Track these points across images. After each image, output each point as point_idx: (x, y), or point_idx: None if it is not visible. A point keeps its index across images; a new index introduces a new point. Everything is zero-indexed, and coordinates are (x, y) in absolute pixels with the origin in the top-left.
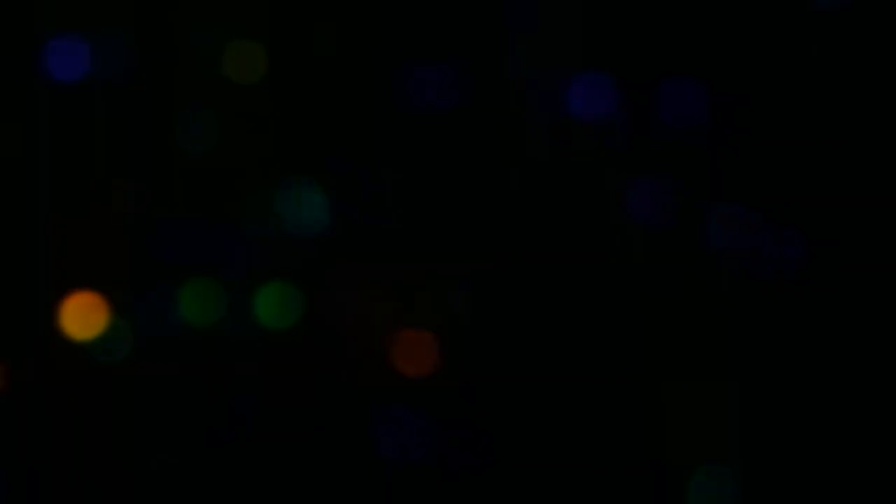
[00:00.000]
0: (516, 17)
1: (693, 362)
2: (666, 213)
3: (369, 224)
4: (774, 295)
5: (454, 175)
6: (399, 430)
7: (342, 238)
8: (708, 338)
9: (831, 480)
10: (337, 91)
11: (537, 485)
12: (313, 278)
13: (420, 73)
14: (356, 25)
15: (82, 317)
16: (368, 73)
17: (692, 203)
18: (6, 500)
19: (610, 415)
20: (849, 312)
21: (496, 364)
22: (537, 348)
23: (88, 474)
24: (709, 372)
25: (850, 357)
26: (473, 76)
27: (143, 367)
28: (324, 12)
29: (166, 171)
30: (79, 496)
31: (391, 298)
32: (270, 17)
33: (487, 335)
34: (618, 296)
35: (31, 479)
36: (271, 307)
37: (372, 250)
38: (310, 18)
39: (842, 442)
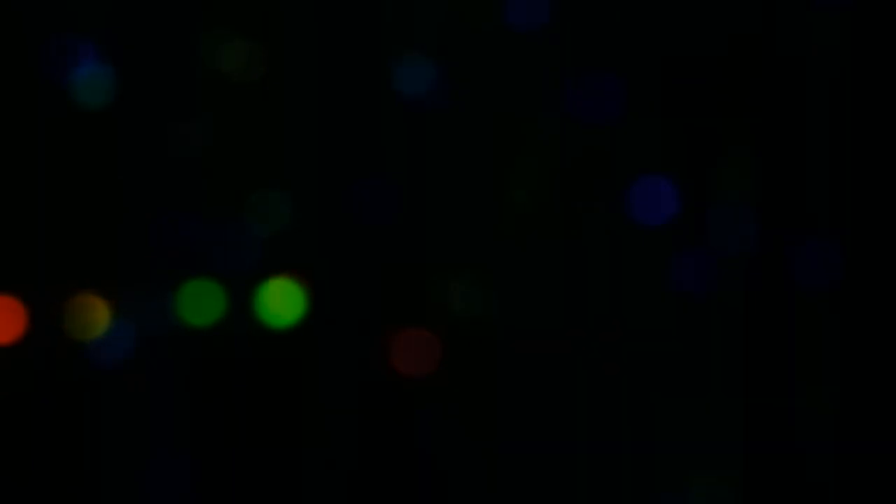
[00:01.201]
0: (517, 16)
1: (694, 364)
2: (677, 215)
3: (370, 223)
4: (805, 303)
5: (455, 174)
6: (398, 427)
7: (342, 237)
8: (710, 341)
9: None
10: (337, 90)
11: (536, 485)
12: (314, 277)
13: (424, 73)
14: (356, 25)
15: (82, 317)
16: (369, 73)
17: (706, 205)
18: (6, 500)
19: (610, 416)
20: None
21: (497, 364)
22: (538, 348)
23: (88, 474)
24: (711, 376)
25: (866, 365)
26: (473, 76)
27: (144, 367)
28: (324, 11)
29: (166, 171)
30: (78, 496)
31: (391, 298)
32: (270, 18)
33: (490, 335)
34: (619, 297)
35: (31, 479)
36: (272, 306)
37: (373, 250)
38: (310, 18)
39: (849, 450)
